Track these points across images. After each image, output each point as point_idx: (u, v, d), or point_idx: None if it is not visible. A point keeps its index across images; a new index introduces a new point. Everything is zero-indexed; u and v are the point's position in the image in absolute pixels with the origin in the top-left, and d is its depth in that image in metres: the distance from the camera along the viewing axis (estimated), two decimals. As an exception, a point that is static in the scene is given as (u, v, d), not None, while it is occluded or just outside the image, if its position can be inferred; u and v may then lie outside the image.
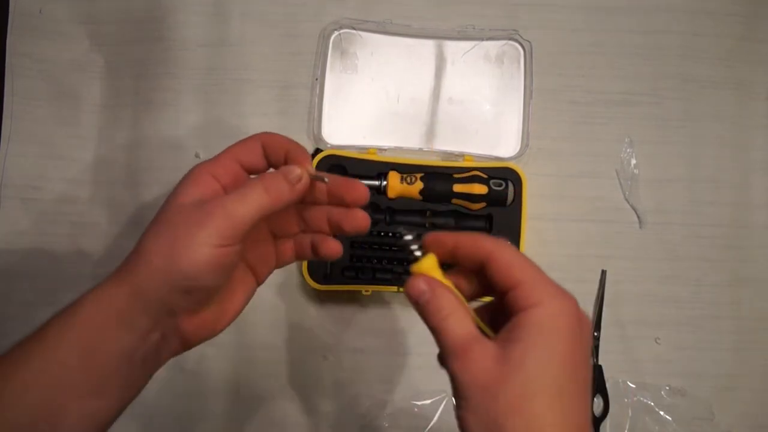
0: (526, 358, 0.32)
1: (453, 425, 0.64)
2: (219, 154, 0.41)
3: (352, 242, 0.62)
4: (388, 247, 0.62)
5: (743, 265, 0.66)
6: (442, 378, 0.63)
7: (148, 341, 0.38)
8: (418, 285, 0.37)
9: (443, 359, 0.36)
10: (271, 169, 0.42)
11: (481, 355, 0.34)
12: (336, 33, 0.66)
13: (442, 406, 0.63)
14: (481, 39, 0.66)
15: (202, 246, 0.36)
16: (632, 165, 0.66)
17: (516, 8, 0.67)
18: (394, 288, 0.62)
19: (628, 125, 0.67)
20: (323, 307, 0.65)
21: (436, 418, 0.62)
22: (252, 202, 0.38)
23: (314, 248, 0.44)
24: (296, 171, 0.40)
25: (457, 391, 0.34)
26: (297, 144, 0.41)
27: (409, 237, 0.38)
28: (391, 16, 0.66)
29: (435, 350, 0.65)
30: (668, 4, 0.68)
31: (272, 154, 0.41)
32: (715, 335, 0.66)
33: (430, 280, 0.37)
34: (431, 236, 0.38)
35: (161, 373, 0.63)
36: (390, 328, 0.65)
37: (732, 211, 0.67)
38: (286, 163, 0.41)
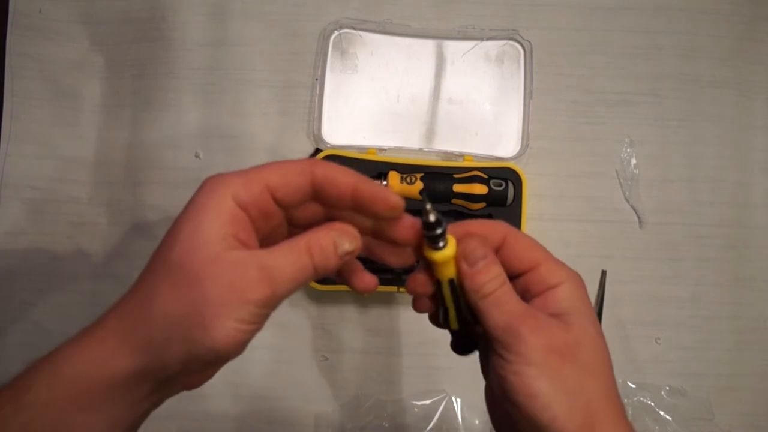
0: (584, 328, 0.35)
1: (453, 425, 0.65)
2: (247, 173, 0.33)
3: (352, 242, 0.62)
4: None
5: (743, 265, 0.66)
6: (443, 378, 0.64)
7: (142, 408, 0.34)
8: (474, 245, 0.35)
9: (501, 328, 0.34)
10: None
11: (549, 322, 0.34)
12: (336, 33, 0.66)
13: (443, 405, 0.63)
14: (481, 39, 0.66)
15: (239, 322, 0.30)
16: (632, 165, 0.66)
17: (516, 8, 0.67)
18: (395, 288, 0.62)
19: (628, 125, 0.67)
20: (323, 307, 0.65)
21: (436, 417, 0.62)
22: (295, 271, 0.32)
23: (346, 279, 0.38)
24: (347, 246, 0.33)
25: (527, 355, 0.33)
26: (370, 184, 0.33)
27: (432, 216, 0.34)
28: (391, 16, 0.67)
29: (435, 350, 0.65)
30: (668, 4, 0.68)
31: (327, 197, 0.34)
32: (715, 335, 0.66)
33: (486, 241, 0.36)
34: (452, 225, 0.36)
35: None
36: (390, 328, 0.65)
37: (732, 211, 0.67)
38: (352, 204, 0.34)
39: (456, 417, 0.62)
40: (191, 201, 0.33)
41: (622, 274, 0.66)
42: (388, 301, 0.65)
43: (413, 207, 0.63)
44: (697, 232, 0.66)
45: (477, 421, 0.63)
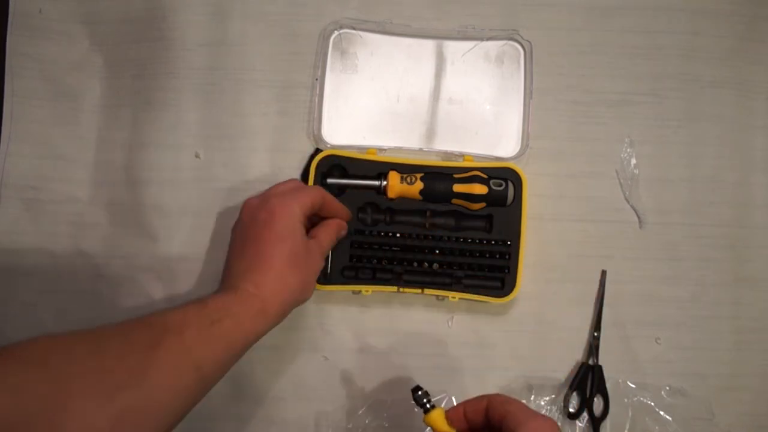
0: None
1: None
2: (303, 199, 0.56)
3: (351, 242, 0.62)
4: (387, 247, 0.63)
5: (743, 265, 0.66)
6: (443, 378, 0.64)
7: None
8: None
9: None
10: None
11: None
12: (336, 33, 0.66)
13: (442, 405, 0.63)
14: (481, 39, 0.66)
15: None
16: (632, 165, 0.66)
17: (516, 8, 0.67)
18: (394, 288, 0.62)
19: (628, 125, 0.67)
20: (323, 306, 0.65)
21: (436, 418, 0.62)
22: (330, 244, 0.60)
23: None
24: (343, 232, 0.63)
25: None
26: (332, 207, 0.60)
27: (420, 392, 0.49)
28: (391, 16, 0.67)
29: (435, 351, 0.65)
30: (668, 4, 0.68)
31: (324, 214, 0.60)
32: (716, 335, 0.65)
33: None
34: (450, 411, 0.49)
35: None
36: (390, 328, 0.65)
37: (732, 211, 0.67)
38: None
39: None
40: (275, 213, 0.54)
41: (622, 274, 0.66)
42: (388, 301, 0.65)
43: (413, 207, 0.63)
44: (697, 232, 0.66)
45: (477, 421, 0.63)
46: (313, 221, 0.59)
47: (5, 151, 0.66)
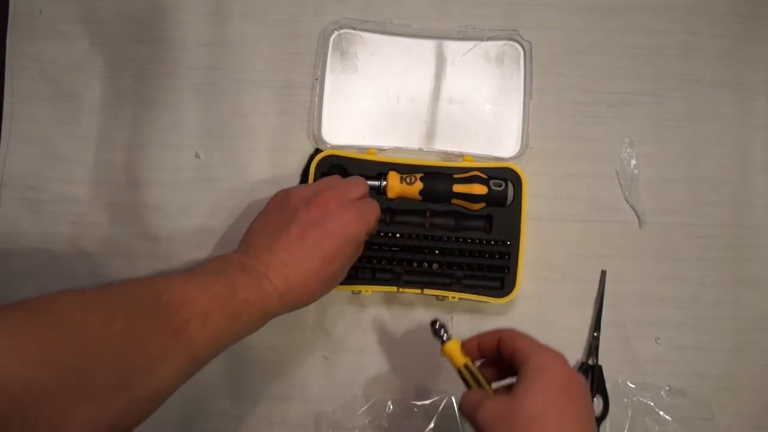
0: (526, 394, 0.44)
1: (453, 425, 0.65)
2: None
3: (351, 242, 0.62)
4: (387, 247, 0.62)
5: (743, 265, 0.66)
6: (443, 378, 0.64)
7: None
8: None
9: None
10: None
11: (493, 403, 0.45)
12: (336, 33, 0.66)
13: (442, 405, 0.63)
14: (481, 39, 0.66)
15: None
16: (632, 165, 0.66)
17: (516, 8, 0.67)
18: (394, 288, 0.62)
19: (628, 125, 0.67)
20: (323, 306, 0.65)
21: (436, 417, 0.62)
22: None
23: None
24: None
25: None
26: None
27: (438, 324, 0.52)
28: (392, 17, 0.66)
29: (435, 351, 0.65)
30: (668, 4, 0.68)
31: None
32: (715, 335, 0.65)
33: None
34: (465, 342, 0.51)
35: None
36: (390, 328, 0.65)
37: (732, 211, 0.67)
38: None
39: (455, 417, 0.62)
40: (328, 218, 0.52)
41: (622, 274, 0.66)
42: (388, 301, 0.65)
43: (412, 207, 0.63)
44: (697, 232, 0.66)
45: (477, 421, 0.63)
46: None
47: (5, 151, 0.66)
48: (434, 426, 0.62)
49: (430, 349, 0.64)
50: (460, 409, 0.51)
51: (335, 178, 0.57)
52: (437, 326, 0.51)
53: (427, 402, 0.63)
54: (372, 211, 0.55)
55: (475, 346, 0.51)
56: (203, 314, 0.45)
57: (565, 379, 0.45)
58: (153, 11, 0.67)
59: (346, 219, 0.52)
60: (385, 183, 0.62)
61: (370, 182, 0.62)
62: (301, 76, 0.66)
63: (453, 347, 0.51)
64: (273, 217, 0.54)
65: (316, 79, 0.66)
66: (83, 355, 0.38)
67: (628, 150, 0.67)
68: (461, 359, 0.50)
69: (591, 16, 0.68)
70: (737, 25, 0.68)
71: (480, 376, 0.50)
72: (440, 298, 0.64)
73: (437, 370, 0.64)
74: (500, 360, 0.49)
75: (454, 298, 0.62)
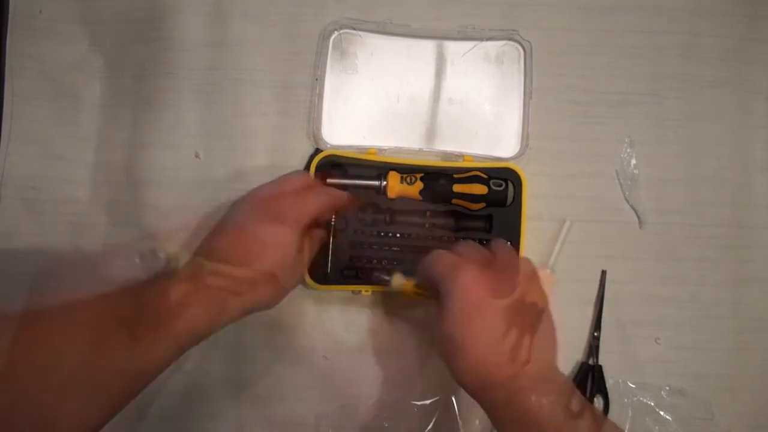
0: (444, 306, 0.49)
1: (452, 425, 0.65)
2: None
3: (351, 242, 0.62)
4: (387, 247, 0.62)
5: (743, 265, 0.66)
6: (442, 378, 0.64)
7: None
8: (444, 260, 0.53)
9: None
10: None
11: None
12: (336, 33, 0.66)
13: (441, 405, 0.63)
14: (481, 39, 0.66)
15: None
16: (632, 165, 0.66)
17: (516, 8, 0.67)
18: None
19: (628, 125, 0.67)
20: (323, 307, 0.65)
21: (435, 418, 0.62)
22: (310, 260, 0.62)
23: None
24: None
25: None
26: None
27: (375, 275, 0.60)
28: (391, 17, 0.66)
29: (435, 351, 0.65)
30: (668, 4, 0.68)
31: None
32: (716, 335, 0.66)
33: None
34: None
35: (161, 375, 0.63)
36: (390, 328, 0.65)
37: (732, 211, 0.67)
38: None
39: (455, 417, 0.62)
40: (273, 223, 0.55)
41: (622, 274, 0.66)
42: (388, 301, 0.65)
43: (412, 207, 0.63)
44: (697, 232, 0.66)
45: (477, 422, 0.63)
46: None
47: (5, 151, 0.66)
48: (433, 426, 0.62)
49: (430, 350, 0.65)
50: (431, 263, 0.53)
51: (284, 176, 0.63)
52: (374, 275, 0.60)
53: (427, 402, 0.63)
54: (314, 198, 0.57)
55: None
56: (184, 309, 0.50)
57: (468, 303, 0.49)
58: (153, 11, 0.67)
59: (271, 214, 0.55)
60: (385, 183, 0.62)
61: (370, 182, 0.62)
62: (301, 76, 0.66)
63: (397, 277, 0.59)
64: (231, 220, 0.58)
65: (317, 79, 0.66)
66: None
67: (628, 150, 0.67)
68: (410, 286, 0.58)
69: (591, 16, 0.67)
70: (737, 25, 0.68)
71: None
72: (440, 298, 0.64)
73: (437, 371, 0.64)
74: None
75: (454, 298, 0.62)
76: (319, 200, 0.57)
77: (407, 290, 0.58)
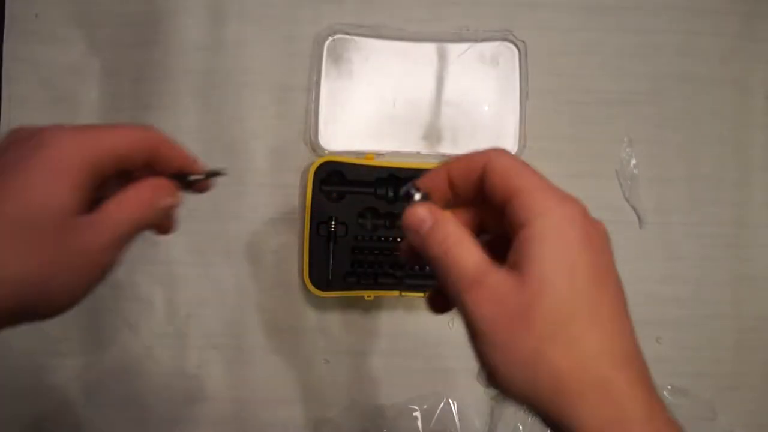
0: (546, 276, 0.29)
1: (452, 428, 0.65)
2: (98, 137, 0.33)
3: (353, 248, 0.62)
4: (389, 252, 0.62)
5: (744, 264, 0.66)
6: (442, 380, 0.64)
7: None
8: (418, 213, 0.33)
9: (453, 296, 0.31)
10: None
11: (498, 282, 0.30)
12: (330, 39, 0.66)
13: (440, 408, 0.63)
14: (476, 40, 0.66)
15: (82, 289, 0.34)
16: (632, 165, 0.66)
17: (514, 9, 0.67)
18: (396, 292, 0.62)
19: (627, 125, 0.67)
20: (324, 311, 0.65)
21: (435, 420, 0.63)
22: (131, 229, 0.35)
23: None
24: (167, 201, 0.37)
25: (475, 328, 0.30)
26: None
27: (405, 189, 0.35)
28: (388, 19, 0.66)
29: (434, 353, 0.65)
30: (666, 4, 0.67)
31: (158, 169, 0.37)
32: (717, 334, 0.66)
33: (432, 206, 0.33)
34: (422, 177, 0.35)
35: (160, 378, 0.63)
36: (391, 332, 0.65)
37: (732, 210, 0.67)
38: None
39: (454, 420, 0.62)
40: (38, 149, 0.31)
41: (622, 274, 0.64)
42: (390, 305, 0.65)
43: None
44: (697, 231, 0.66)
45: (476, 423, 0.63)
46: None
47: (3, 156, 0.66)
48: (432, 429, 0.62)
49: (431, 351, 0.65)
50: (449, 263, 0.31)
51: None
52: (404, 189, 0.35)
53: (426, 405, 0.63)
54: (115, 136, 0.34)
55: (444, 184, 0.35)
56: None
57: (594, 254, 0.31)
58: (150, 15, 0.66)
59: (47, 143, 0.32)
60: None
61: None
62: (299, 79, 0.66)
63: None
64: None
65: (316, 82, 0.65)
66: None
67: (627, 150, 0.66)
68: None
69: (590, 16, 0.67)
70: (736, 25, 0.67)
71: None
72: (441, 300, 0.64)
73: (437, 374, 0.64)
74: (482, 201, 0.34)
75: (455, 300, 0.62)
76: (120, 135, 0.35)
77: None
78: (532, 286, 0.29)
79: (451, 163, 0.35)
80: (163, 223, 0.38)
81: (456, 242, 0.32)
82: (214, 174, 0.40)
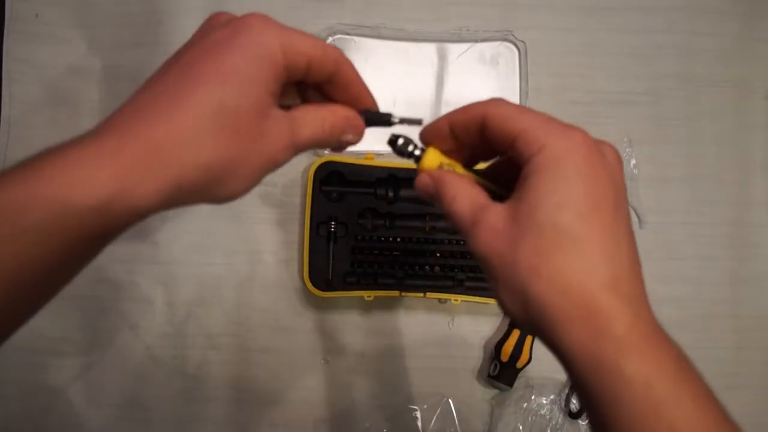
0: (535, 209, 0.30)
1: (451, 427, 0.65)
2: (295, 36, 0.33)
3: (353, 248, 0.62)
4: (389, 252, 0.62)
5: (743, 264, 0.66)
6: (441, 380, 0.64)
7: None
8: (423, 181, 0.37)
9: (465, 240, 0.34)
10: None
11: (493, 219, 0.32)
12: (330, 39, 0.66)
13: (440, 408, 0.63)
14: (475, 41, 0.66)
15: (256, 181, 0.35)
16: (632, 165, 0.66)
17: (514, 9, 0.67)
18: (396, 292, 0.62)
19: (626, 125, 0.67)
20: (324, 310, 0.65)
21: (434, 420, 0.63)
22: (312, 140, 0.36)
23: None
24: (350, 137, 0.38)
25: (480, 263, 0.33)
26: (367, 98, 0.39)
27: (401, 141, 0.38)
28: (388, 20, 0.66)
29: (434, 353, 0.65)
30: (666, 4, 0.67)
31: (340, 90, 0.37)
32: (716, 334, 0.66)
33: (433, 172, 0.36)
34: (425, 129, 0.38)
35: (161, 377, 0.63)
36: (391, 331, 0.65)
37: (732, 210, 0.67)
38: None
39: (454, 420, 0.62)
40: (238, 35, 0.32)
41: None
42: (390, 305, 0.65)
43: (413, 211, 0.62)
44: (697, 231, 0.66)
45: (476, 423, 0.63)
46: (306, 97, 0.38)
47: (4, 157, 0.66)
48: (433, 429, 0.62)
49: (431, 351, 0.65)
50: (454, 215, 0.34)
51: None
52: (401, 144, 0.38)
53: (425, 405, 0.63)
54: (312, 42, 0.34)
55: (446, 133, 0.36)
56: None
57: (593, 179, 0.30)
58: (150, 15, 0.67)
59: (248, 30, 0.32)
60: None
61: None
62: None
63: (433, 157, 0.37)
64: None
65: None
66: None
67: (627, 150, 0.66)
68: (449, 165, 0.37)
69: (590, 16, 0.67)
70: (736, 25, 0.67)
71: (486, 182, 0.37)
72: (442, 300, 0.64)
73: (437, 373, 0.64)
74: (484, 147, 0.36)
75: (456, 300, 0.62)
76: (316, 43, 0.34)
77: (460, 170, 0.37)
78: (521, 221, 0.31)
79: (451, 115, 0.36)
80: (334, 147, 0.39)
81: (455, 196, 0.35)
82: (412, 121, 0.39)
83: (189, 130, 0.30)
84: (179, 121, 0.30)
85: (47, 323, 0.65)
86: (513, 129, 0.32)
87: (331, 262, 0.62)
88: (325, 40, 0.66)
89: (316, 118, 0.35)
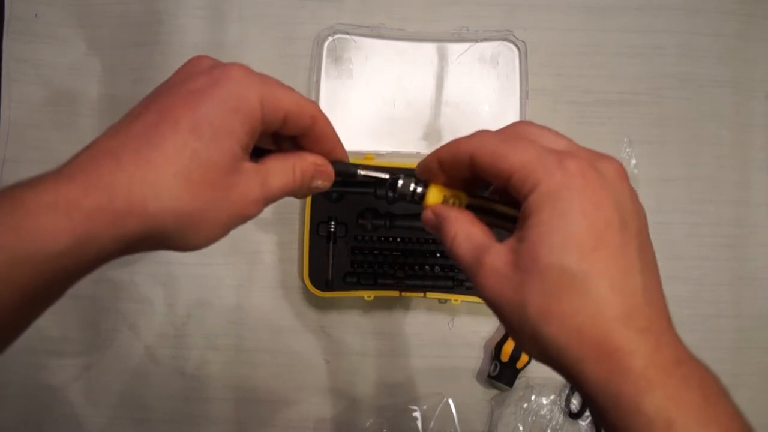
0: (538, 251, 0.29)
1: (451, 428, 0.65)
2: (274, 89, 0.33)
3: (353, 248, 0.62)
4: (389, 252, 0.62)
5: (743, 264, 0.66)
6: (441, 381, 0.64)
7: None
8: (427, 217, 0.37)
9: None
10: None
11: (496, 262, 0.31)
12: (330, 39, 0.66)
13: (440, 408, 0.63)
14: (476, 40, 0.66)
15: (225, 232, 0.36)
16: (632, 165, 0.66)
17: (514, 9, 0.67)
18: (396, 292, 0.62)
19: (627, 125, 0.67)
20: (324, 311, 0.65)
21: (434, 420, 0.63)
22: (282, 190, 0.37)
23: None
24: (320, 183, 0.38)
25: (493, 311, 0.32)
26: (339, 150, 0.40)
27: (401, 182, 0.38)
28: (388, 19, 0.66)
29: (434, 353, 0.65)
30: (666, 4, 0.67)
31: (313, 142, 0.37)
32: (716, 334, 0.65)
33: (436, 208, 0.37)
34: (418, 169, 0.38)
35: (160, 378, 0.63)
36: (391, 331, 0.65)
37: (732, 210, 0.67)
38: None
39: (454, 420, 0.62)
40: (217, 85, 0.32)
41: (623, 274, 0.65)
42: (390, 305, 0.65)
43: (412, 211, 0.62)
44: (697, 231, 0.66)
45: (476, 423, 0.63)
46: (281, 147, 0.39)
47: (3, 156, 0.66)
48: (433, 429, 0.62)
49: (431, 351, 0.65)
50: (455, 256, 0.34)
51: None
52: (401, 186, 0.38)
53: (425, 406, 0.63)
54: (288, 93, 0.34)
55: (437, 170, 0.36)
56: None
57: (595, 208, 0.30)
58: (150, 15, 0.67)
59: (226, 81, 0.32)
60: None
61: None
62: (299, 79, 0.66)
63: (435, 193, 0.37)
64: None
65: (316, 82, 0.65)
66: None
67: (627, 150, 0.66)
68: (458, 195, 0.37)
69: (590, 16, 0.67)
70: (736, 25, 0.67)
71: (498, 206, 0.36)
72: (442, 301, 0.64)
73: (437, 373, 0.64)
74: (480, 179, 0.35)
75: (456, 300, 0.62)
76: (291, 94, 0.34)
77: (433, 200, 0.37)
78: (525, 263, 0.30)
79: (438, 152, 0.36)
80: (299, 195, 0.39)
81: (455, 234, 0.34)
82: (376, 178, 0.40)
83: (161, 176, 0.30)
84: (152, 167, 0.30)
85: (47, 323, 0.65)
86: (504, 168, 0.32)
87: (330, 262, 0.62)
88: (325, 40, 0.66)
89: (285, 167, 0.36)
